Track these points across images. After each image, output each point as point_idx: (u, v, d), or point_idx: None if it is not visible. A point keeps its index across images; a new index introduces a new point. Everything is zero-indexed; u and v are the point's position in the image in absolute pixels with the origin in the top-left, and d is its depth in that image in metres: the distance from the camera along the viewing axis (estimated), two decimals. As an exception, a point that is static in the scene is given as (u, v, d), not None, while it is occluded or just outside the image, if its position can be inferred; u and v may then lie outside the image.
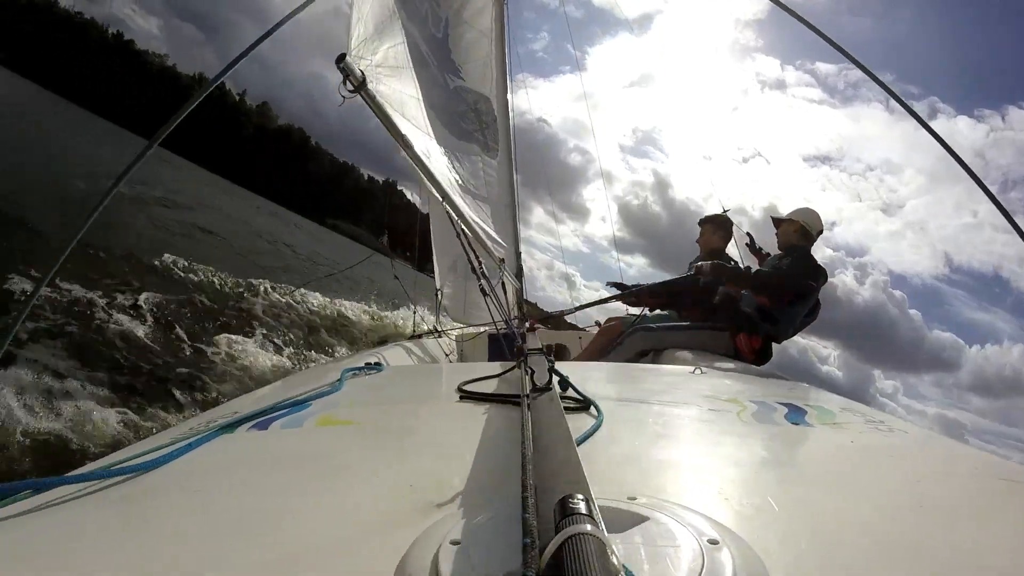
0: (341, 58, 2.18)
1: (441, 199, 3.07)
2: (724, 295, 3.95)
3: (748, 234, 4.55)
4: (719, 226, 4.57)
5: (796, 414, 1.44)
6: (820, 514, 0.79)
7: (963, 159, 1.41)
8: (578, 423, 1.18)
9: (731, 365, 2.98)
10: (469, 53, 4.27)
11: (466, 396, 1.47)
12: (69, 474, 0.88)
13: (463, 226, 3.47)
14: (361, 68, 2.27)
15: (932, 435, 1.33)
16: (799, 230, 3.83)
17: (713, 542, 0.59)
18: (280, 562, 0.64)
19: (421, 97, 3.10)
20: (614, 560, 0.45)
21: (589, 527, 0.47)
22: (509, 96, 5.28)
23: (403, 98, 2.80)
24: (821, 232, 3.89)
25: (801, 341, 4.51)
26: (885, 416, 1.44)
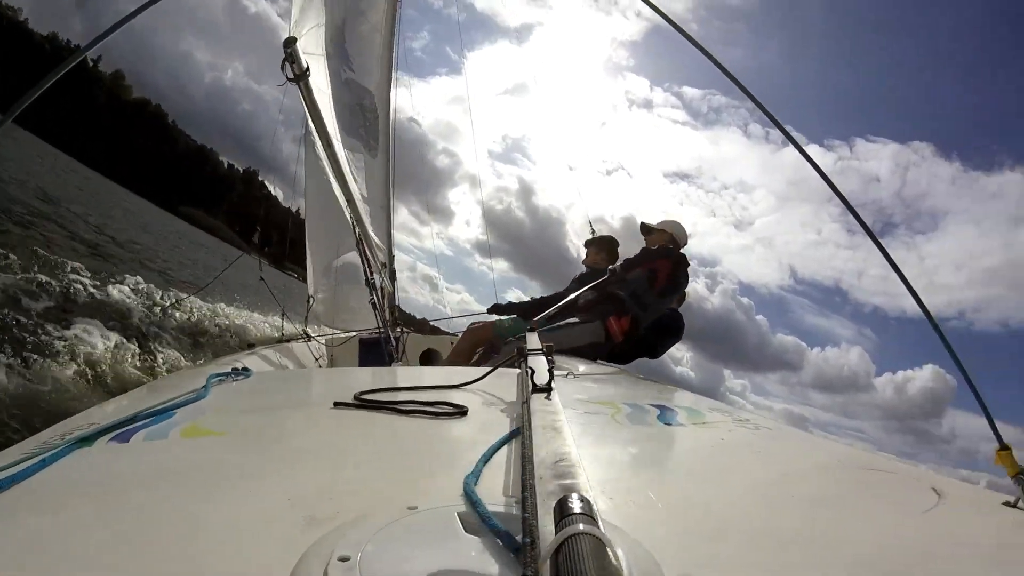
0: (291, 41, 2.05)
1: (346, 202, 2.93)
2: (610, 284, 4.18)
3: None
4: (602, 247, 4.84)
5: (668, 414, 1.51)
6: (700, 508, 0.84)
7: (835, 184, 1.58)
8: (456, 430, 1.19)
9: (601, 369, 3.11)
10: (361, 46, 4.15)
11: (351, 404, 1.41)
12: None
13: (362, 233, 3.34)
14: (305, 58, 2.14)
15: (796, 431, 1.46)
16: (669, 240, 4.19)
17: None
18: None
19: (328, 90, 2.96)
20: (613, 560, 0.45)
21: (588, 527, 0.47)
22: (392, 95, 5.17)
23: (318, 91, 2.64)
24: (686, 243, 4.27)
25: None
26: (751, 415, 1.57)
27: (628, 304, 4.01)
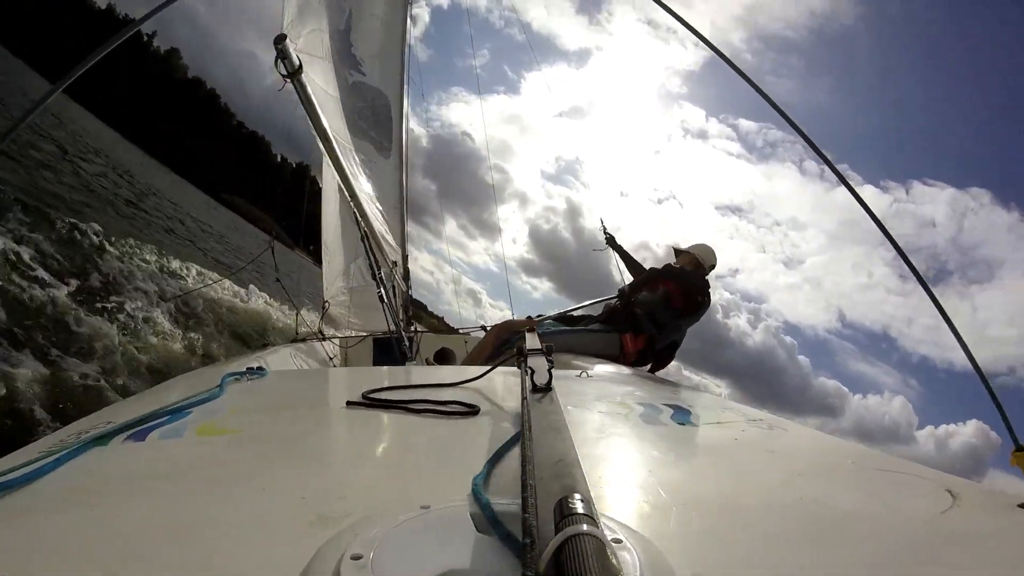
0: (281, 38, 2.07)
1: (350, 199, 2.97)
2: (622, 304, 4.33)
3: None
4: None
5: (681, 414, 1.51)
6: (713, 508, 0.84)
7: (884, 225, 1.58)
8: (467, 428, 1.19)
9: (615, 370, 3.10)
10: (371, 48, 4.20)
11: (364, 403, 1.41)
12: None
13: (367, 229, 3.38)
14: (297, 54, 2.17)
15: (810, 431, 1.45)
16: (692, 261, 4.37)
17: (616, 541, 0.60)
18: None
19: (332, 91, 3.07)
20: (614, 561, 0.45)
21: (589, 527, 0.47)
22: (405, 97, 5.19)
23: (319, 90, 2.70)
24: (713, 267, 4.42)
25: (694, 378, 5.03)
26: (764, 415, 1.55)
27: (644, 324, 4.12)
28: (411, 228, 5.85)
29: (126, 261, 8.35)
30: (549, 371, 1.31)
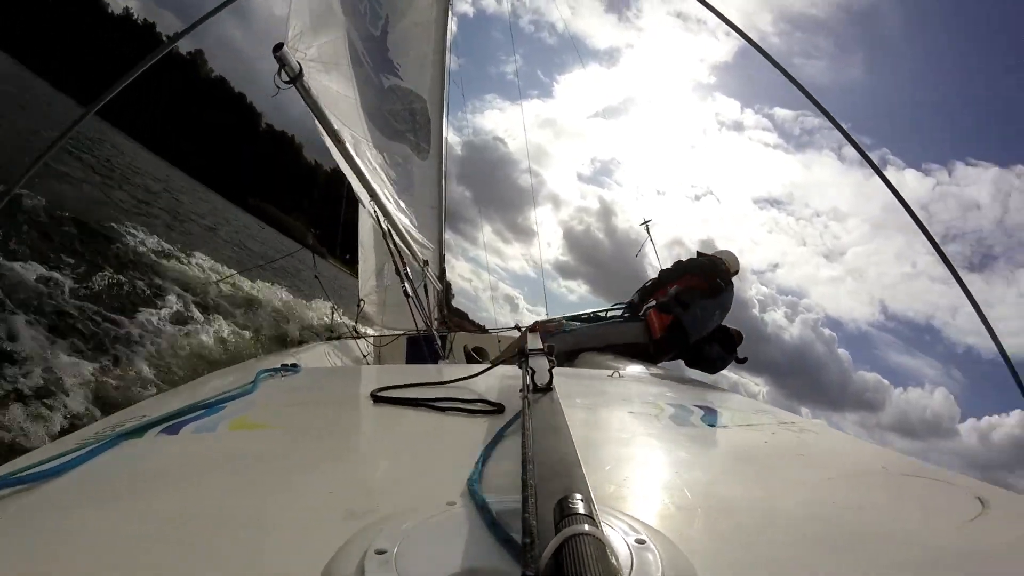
0: (279, 47, 2.23)
1: (370, 198, 3.05)
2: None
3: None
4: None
5: (711, 416, 1.50)
6: (740, 511, 0.82)
7: (916, 213, 1.53)
8: (493, 426, 1.18)
9: (647, 370, 3.09)
10: (408, 53, 4.27)
11: (380, 400, 1.43)
12: None
13: (390, 226, 3.45)
14: (297, 60, 2.32)
15: (842, 435, 1.42)
16: (713, 261, 4.36)
17: (640, 542, 0.59)
18: (192, 574, 0.60)
19: (352, 95, 3.16)
20: (613, 561, 0.45)
21: (588, 527, 0.47)
22: (444, 101, 5.26)
23: (335, 95, 2.84)
24: (737, 272, 4.43)
25: (732, 376, 4.98)
26: (795, 417, 1.52)
27: (670, 305, 4.11)
28: (447, 235, 5.90)
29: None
30: (550, 371, 1.30)
